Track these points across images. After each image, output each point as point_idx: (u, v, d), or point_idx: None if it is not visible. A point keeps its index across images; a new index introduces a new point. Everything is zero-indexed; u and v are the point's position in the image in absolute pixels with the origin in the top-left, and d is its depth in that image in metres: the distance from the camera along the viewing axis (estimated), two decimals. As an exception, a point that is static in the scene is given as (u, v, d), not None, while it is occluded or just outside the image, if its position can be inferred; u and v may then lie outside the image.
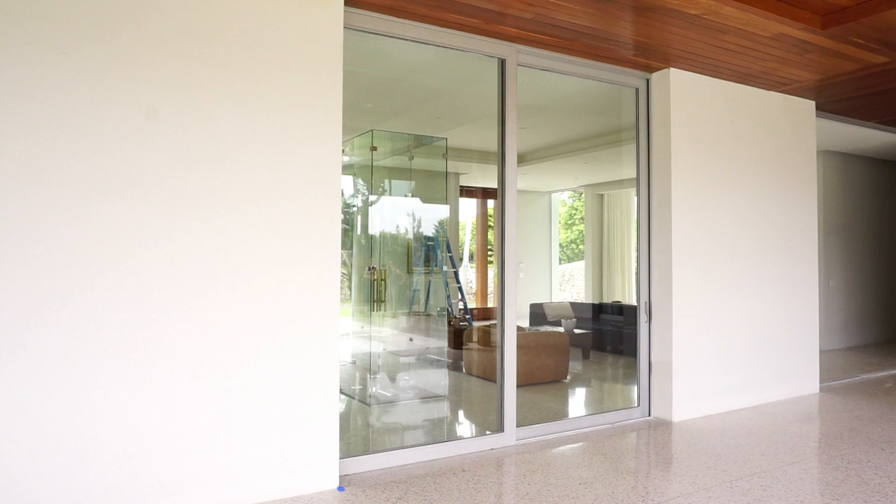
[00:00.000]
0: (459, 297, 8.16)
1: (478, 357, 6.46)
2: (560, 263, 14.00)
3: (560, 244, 15.62)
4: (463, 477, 3.65)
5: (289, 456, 3.32)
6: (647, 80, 5.11)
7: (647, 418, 5.00)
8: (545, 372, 6.26)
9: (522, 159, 9.32)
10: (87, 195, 2.87)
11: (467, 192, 10.64)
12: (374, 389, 5.91)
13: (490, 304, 10.91)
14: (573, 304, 9.10)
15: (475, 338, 6.70)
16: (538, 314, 8.84)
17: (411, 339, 6.65)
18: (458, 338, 6.81)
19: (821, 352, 7.20)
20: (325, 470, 3.42)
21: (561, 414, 5.37)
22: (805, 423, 4.83)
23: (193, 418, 3.08)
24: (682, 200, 4.97)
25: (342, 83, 3.53)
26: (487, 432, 4.45)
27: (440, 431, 5.04)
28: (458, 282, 8.09)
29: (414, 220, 6.59)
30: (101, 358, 2.88)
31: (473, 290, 11.32)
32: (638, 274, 5.17)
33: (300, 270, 3.38)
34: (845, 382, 6.37)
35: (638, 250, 5.17)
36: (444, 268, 7.08)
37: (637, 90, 5.13)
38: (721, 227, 5.21)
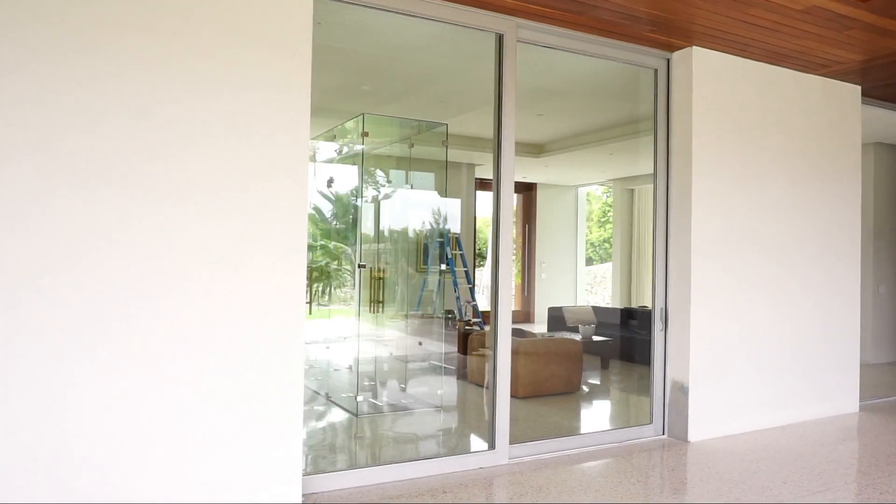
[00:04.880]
0: (469, 298, 7.69)
1: (485, 365, 6.02)
2: (589, 264, 13.39)
3: (591, 243, 14.99)
4: (443, 499, 3.27)
5: (242, 474, 2.96)
6: (668, 60, 4.62)
7: (661, 437, 4.51)
8: (554, 383, 5.79)
9: (542, 149, 8.84)
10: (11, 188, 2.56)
11: (483, 184, 10.09)
12: (360, 398, 5.52)
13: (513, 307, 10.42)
14: (596, 309, 8.56)
15: (483, 343, 6.27)
16: (557, 318, 8.32)
17: (420, 343, 6.27)
18: (464, 343, 6.38)
19: (865, 365, 6.58)
20: (286, 488, 3.05)
21: (566, 430, 4.92)
22: (838, 447, 4.29)
23: (129, 434, 2.75)
24: (705, 194, 4.48)
25: (311, 59, 3.17)
26: (475, 449, 4.02)
27: (425, 447, 4.61)
28: (469, 282, 7.65)
29: (419, 214, 6.20)
30: (32, 376, 2.57)
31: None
32: (653, 276, 4.68)
33: (261, 261, 3.04)
34: (890, 401, 5.77)
35: (654, 249, 4.68)
36: (454, 267, 6.67)
37: (656, 71, 4.64)
38: (748, 224, 4.69)
